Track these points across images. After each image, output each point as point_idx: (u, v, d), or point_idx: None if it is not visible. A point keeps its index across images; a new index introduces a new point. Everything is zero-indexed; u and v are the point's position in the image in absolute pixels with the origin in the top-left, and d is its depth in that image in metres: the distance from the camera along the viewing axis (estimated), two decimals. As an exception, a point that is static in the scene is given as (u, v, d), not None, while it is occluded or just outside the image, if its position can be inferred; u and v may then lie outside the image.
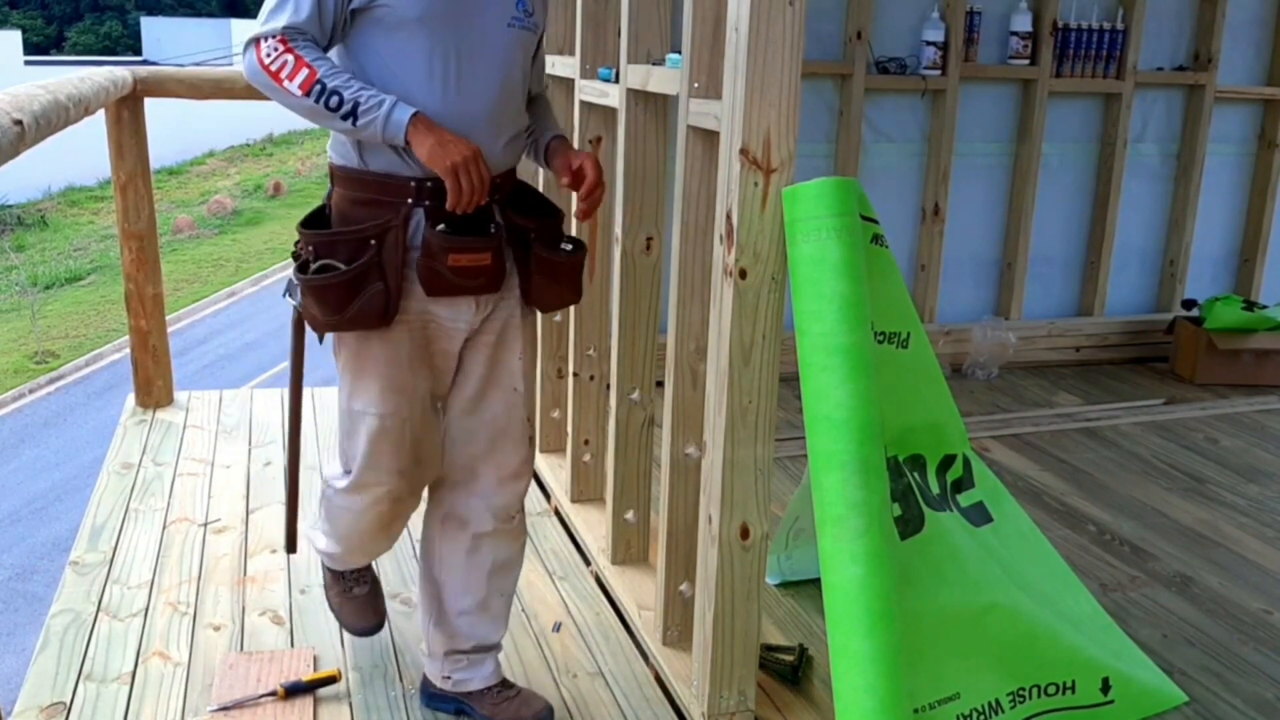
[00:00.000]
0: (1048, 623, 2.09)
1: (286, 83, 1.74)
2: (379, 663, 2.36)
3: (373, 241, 1.85)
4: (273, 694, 2.20)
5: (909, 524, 1.90)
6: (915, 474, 2.01)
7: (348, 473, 2.08)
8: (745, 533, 2.02)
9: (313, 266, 1.86)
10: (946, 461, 2.14)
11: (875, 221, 1.89)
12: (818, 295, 1.75)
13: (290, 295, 1.97)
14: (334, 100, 1.74)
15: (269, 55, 1.74)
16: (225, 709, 2.17)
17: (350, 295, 1.85)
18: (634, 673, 2.36)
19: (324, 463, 2.15)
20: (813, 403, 1.74)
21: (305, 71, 1.73)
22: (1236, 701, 2.32)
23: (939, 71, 4.36)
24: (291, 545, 2.31)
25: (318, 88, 1.74)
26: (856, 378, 1.75)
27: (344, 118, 1.76)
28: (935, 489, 2.06)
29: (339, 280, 1.85)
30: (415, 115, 1.77)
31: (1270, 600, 2.75)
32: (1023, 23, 4.43)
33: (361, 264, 1.85)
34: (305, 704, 2.19)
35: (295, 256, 1.92)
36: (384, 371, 1.96)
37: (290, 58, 1.73)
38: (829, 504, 1.72)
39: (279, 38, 1.74)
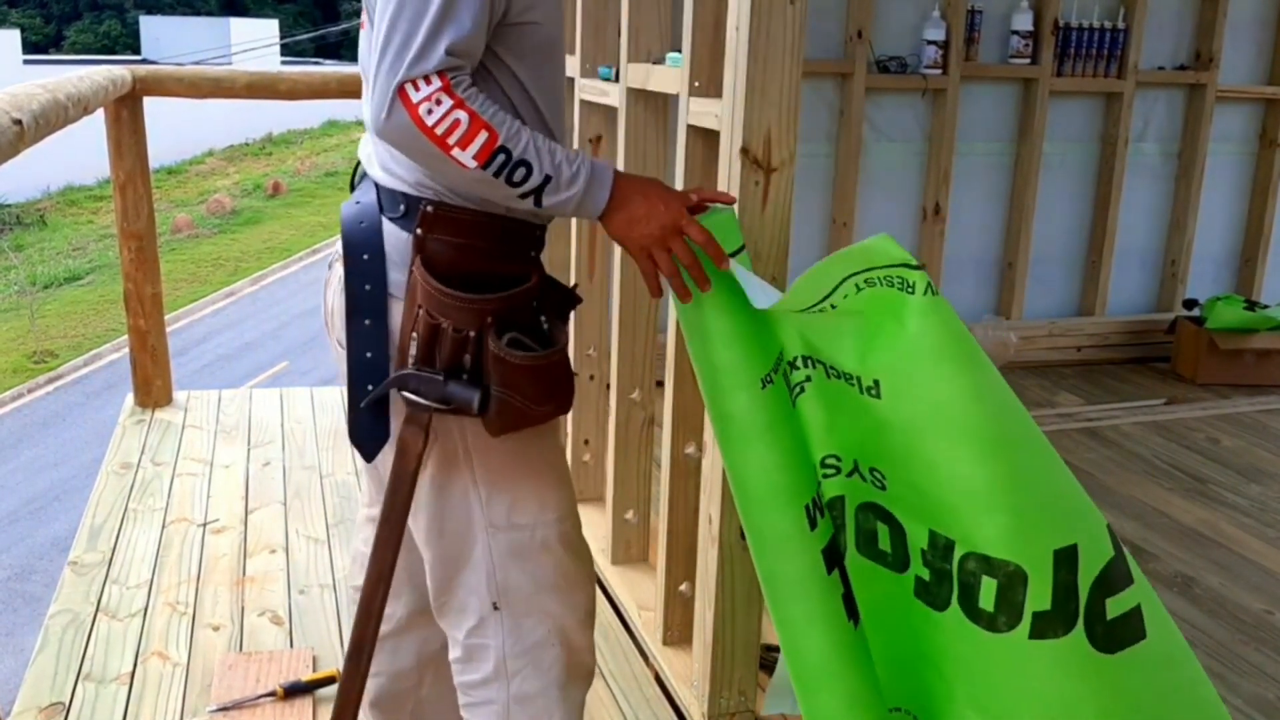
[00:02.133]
0: None
1: (456, 151, 1.25)
2: (378, 663, 2.35)
3: (535, 304, 1.43)
4: (272, 694, 2.19)
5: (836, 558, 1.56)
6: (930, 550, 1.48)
7: (511, 642, 1.50)
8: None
9: (505, 339, 1.36)
10: (1000, 569, 1.38)
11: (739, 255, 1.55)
12: (696, 359, 1.54)
13: (427, 394, 1.36)
14: (519, 174, 1.29)
15: (431, 112, 1.24)
16: (224, 709, 2.16)
17: (565, 371, 1.42)
18: (634, 673, 2.35)
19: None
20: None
21: (483, 136, 1.26)
22: (1238, 702, 2.31)
23: (940, 70, 4.35)
24: None
25: (500, 158, 1.28)
26: (744, 446, 1.51)
27: (524, 195, 1.31)
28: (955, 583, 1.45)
29: (561, 355, 1.41)
30: (616, 182, 1.39)
31: (1272, 600, 2.75)
32: (1024, 22, 4.42)
33: (563, 331, 1.47)
34: (305, 704, 2.18)
35: (434, 333, 1.35)
36: (556, 460, 1.53)
37: (462, 116, 1.25)
38: (756, 567, 1.57)
39: (440, 82, 1.24)
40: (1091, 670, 1.38)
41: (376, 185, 1.41)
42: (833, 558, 1.54)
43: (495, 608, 1.49)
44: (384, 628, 1.65)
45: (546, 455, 1.50)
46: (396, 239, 1.38)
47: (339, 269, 1.43)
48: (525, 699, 1.52)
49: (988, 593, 1.38)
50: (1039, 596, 1.36)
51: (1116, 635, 1.41)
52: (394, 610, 1.66)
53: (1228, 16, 4.64)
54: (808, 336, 1.53)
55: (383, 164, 1.41)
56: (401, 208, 1.38)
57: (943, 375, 1.42)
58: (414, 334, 1.35)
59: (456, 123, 1.24)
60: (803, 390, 1.53)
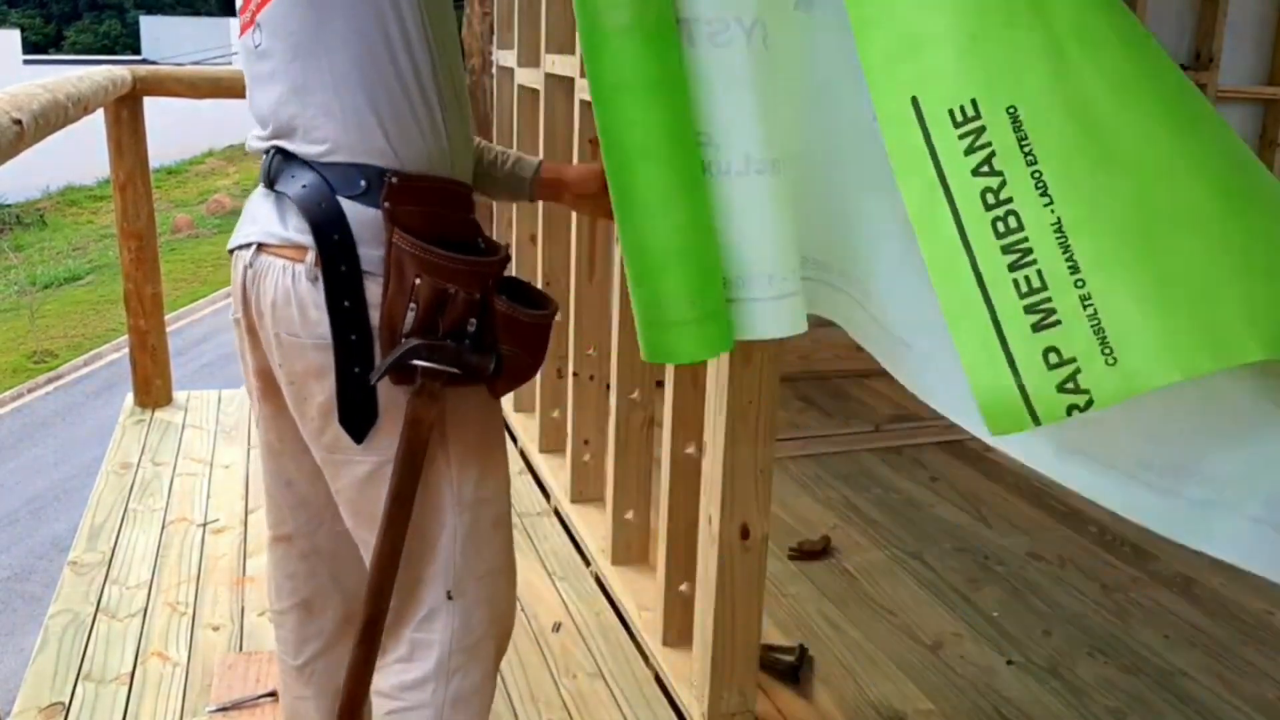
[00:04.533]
0: None
1: None
2: (378, 663, 2.35)
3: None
4: (272, 694, 2.19)
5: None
6: None
7: (463, 627, 1.46)
8: (745, 533, 2.02)
9: (501, 299, 1.37)
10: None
11: None
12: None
13: (443, 360, 1.34)
14: None
15: None
16: (224, 709, 2.16)
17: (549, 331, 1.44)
18: (634, 673, 2.35)
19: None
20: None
21: None
22: (1238, 702, 2.31)
23: (939, 71, 4.34)
24: None
25: None
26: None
27: None
28: None
29: (552, 312, 1.43)
30: None
31: (1271, 600, 2.75)
32: (1023, 22, 4.42)
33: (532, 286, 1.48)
34: (304, 705, 2.18)
35: (440, 299, 1.32)
36: (503, 430, 1.53)
37: None
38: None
39: None
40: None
41: (312, 165, 1.34)
42: None
43: (449, 597, 1.44)
44: (314, 645, 1.60)
45: (500, 425, 1.50)
46: (361, 215, 1.33)
47: (272, 261, 1.36)
48: (461, 700, 1.46)
49: None
50: None
51: None
52: (323, 626, 1.61)
53: (1227, 17, 4.64)
54: None
55: (322, 140, 1.33)
56: (362, 183, 1.33)
57: None
58: (411, 304, 1.32)
59: None
60: None
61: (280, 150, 1.38)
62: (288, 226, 1.36)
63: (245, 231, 1.42)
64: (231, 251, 1.45)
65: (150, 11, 37.27)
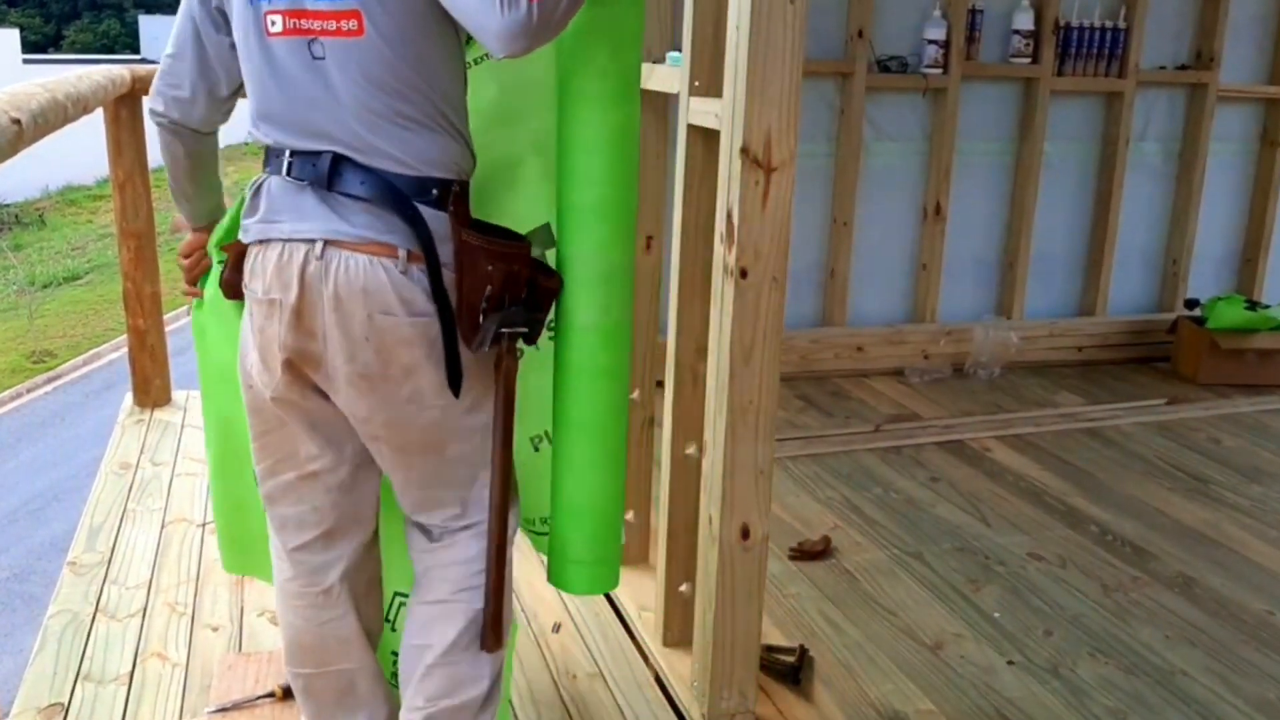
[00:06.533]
0: None
1: None
2: (378, 664, 2.34)
3: None
4: (271, 695, 2.19)
5: None
6: None
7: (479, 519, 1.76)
8: (745, 533, 2.02)
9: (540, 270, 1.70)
10: None
11: None
12: None
13: (521, 322, 1.64)
14: None
15: None
16: (223, 710, 2.16)
17: None
18: (634, 673, 2.35)
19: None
20: None
21: None
22: (1238, 702, 2.31)
23: (940, 70, 4.35)
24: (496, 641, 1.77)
25: None
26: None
27: None
28: None
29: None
30: None
31: (1273, 601, 2.75)
32: (1024, 21, 4.42)
33: None
34: (304, 705, 2.18)
35: (512, 279, 1.60)
36: None
37: None
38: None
39: None
40: None
41: (380, 173, 1.53)
42: None
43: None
44: (338, 569, 1.77)
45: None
46: (434, 219, 1.55)
47: (351, 255, 1.53)
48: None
49: None
50: None
51: None
52: (343, 550, 1.78)
53: (1229, 15, 4.64)
54: None
55: (399, 155, 1.53)
56: (434, 192, 1.55)
57: None
58: (489, 286, 1.56)
59: None
60: None
61: (338, 156, 1.53)
62: (355, 225, 1.53)
63: (295, 226, 1.55)
64: (268, 240, 1.57)
65: (149, 11, 37.26)
